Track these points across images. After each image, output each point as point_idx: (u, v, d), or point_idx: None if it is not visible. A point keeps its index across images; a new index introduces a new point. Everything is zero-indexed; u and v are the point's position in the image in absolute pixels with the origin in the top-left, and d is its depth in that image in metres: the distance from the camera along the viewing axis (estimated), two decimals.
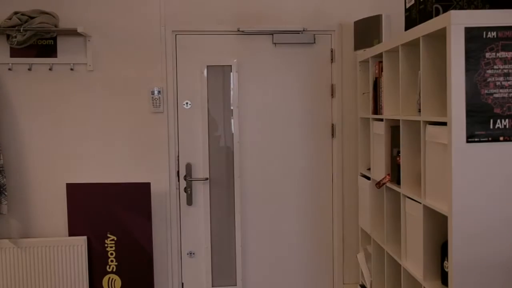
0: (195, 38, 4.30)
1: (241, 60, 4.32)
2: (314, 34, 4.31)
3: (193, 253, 4.40)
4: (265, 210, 4.38)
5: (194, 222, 4.40)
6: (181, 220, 4.39)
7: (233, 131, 4.36)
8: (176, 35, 4.31)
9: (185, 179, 4.34)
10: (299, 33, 4.29)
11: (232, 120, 4.36)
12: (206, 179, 4.36)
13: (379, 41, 3.84)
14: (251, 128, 4.37)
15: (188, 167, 4.33)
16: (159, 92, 4.24)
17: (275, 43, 4.33)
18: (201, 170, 4.36)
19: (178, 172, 4.38)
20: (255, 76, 4.18)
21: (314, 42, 4.30)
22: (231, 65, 4.31)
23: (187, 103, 4.31)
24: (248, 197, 4.37)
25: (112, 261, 4.21)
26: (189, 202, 4.37)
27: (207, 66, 4.33)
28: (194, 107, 4.34)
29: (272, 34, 4.30)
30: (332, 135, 4.42)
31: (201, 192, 4.38)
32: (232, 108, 4.35)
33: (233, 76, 4.32)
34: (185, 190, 4.35)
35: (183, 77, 4.33)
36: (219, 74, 4.31)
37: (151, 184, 4.26)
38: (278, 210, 4.37)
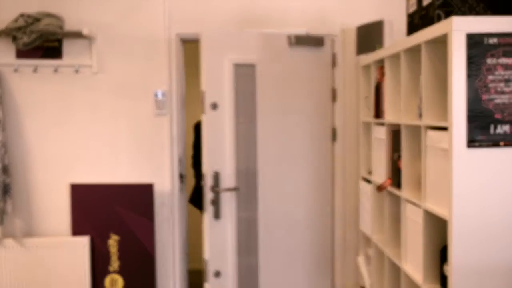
0: (220, 37, 3.92)
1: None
2: (324, 37, 4.28)
3: (220, 273, 3.91)
4: (268, 212, 4.38)
5: (222, 238, 3.94)
6: (208, 236, 3.86)
7: (257, 134, 4.10)
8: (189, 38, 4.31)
9: (212, 190, 3.84)
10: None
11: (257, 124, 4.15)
12: (235, 189, 3.96)
13: (381, 46, 3.87)
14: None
15: (216, 176, 3.84)
16: (163, 94, 4.27)
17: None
18: (228, 179, 3.93)
19: (181, 174, 4.40)
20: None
21: (323, 45, 4.31)
22: (255, 65, 4.02)
23: (214, 105, 3.85)
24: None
25: (114, 261, 4.23)
26: (217, 215, 3.86)
27: (234, 65, 3.92)
28: (221, 110, 3.95)
29: None
30: (333, 139, 4.44)
31: (229, 203, 3.95)
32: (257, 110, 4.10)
33: (257, 77, 4.07)
34: (212, 202, 3.82)
35: (210, 78, 3.86)
36: (242, 75, 4.09)
37: (154, 185, 4.28)
38: (280, 212, 4.37)
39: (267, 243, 4.06)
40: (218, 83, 3.82)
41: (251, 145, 3.99)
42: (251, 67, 3.95)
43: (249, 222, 4.04)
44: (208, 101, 3.77)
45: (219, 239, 3.88)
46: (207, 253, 3.83)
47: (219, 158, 3.85)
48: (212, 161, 3.80)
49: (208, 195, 3.78)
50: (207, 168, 3.72)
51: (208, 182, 3.72)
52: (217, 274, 3.82)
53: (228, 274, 3.87)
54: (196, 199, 5.32)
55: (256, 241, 4.06)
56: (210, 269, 3.85)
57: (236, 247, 3.93)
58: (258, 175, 4.05)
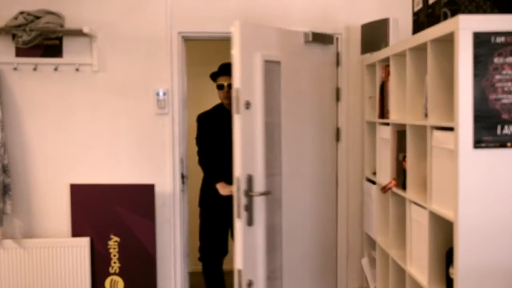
0: (252, 32, 3.62)
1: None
2: (333, 35, 4.23)
3: (252, 283, 3.57)
4: (289, 215, 4.31)
5: (253, 245, 3.63)
6: (241, 244, 3.48)
7: (281, 135, 3.90)
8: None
9: (246, 195, 3.48)
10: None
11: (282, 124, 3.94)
12: (267, 193, 3.67)
13: (386, 45, 3.82)
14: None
15: (249, 179, 3.50)
16: (164, 93, 4.23)
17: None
18: (259, 182, 3.60)
19: (182, 174, 4.37)
20: None
21: (333, 43, 4.27)
22: (280, 62, 3.83)
23: (248, 104, 3.49)
24: None
25: (115, 262, 4.20)
26: (250, 221, 3.52)
27: (265, 61, 3.65)
28: (254, 109, 3.60)
29: None
30: (337, 139, 4.40)
31: (259, 208, 3.62)
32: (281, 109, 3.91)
33: (282, 75, 3.89)
34: (246, 207, 3.48)
35: (243, 75, 3.50)
36: (268, 72, 3.78)
37: (155, 186, 4.24)
38: (297, 215, 4.32)
39: (288, 247, 3.94)
40: (250, 80, 3.54)
41: (276, 145, 3.82)
42: (276, 64, 3.79)
43: (273, 226, 3.82)
44: (242, 99, 3.44)
45: (251, 246, 3.57)
46: (239, 263, 3.45)
47: (252, 160, 3.56)
48: (245, 164, 3.47)
49: (242, 200, 3.45)
50: (241, 172, 3.43)
51: (242, 186, 3.44)
52: (250, 284, 3.56)
53: (259, 283, 3.62)
54: (206, 201, 4.75)
55: (281, 246, 3.89)
56: (244, 280, 3.49)
57: (266, 254, 3.70)
58: (282, 177, 3.90)
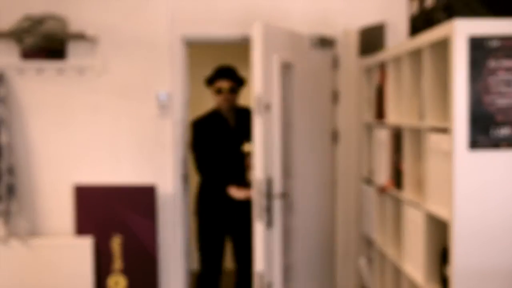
0: (270, 35, 3.60)
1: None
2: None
3: (271, 284, 3.56)
4: (299, 216, 4.33)
5: (271, 247, 3.61)
6: (261, 246, 3.48)
7: (293, 137, 3.93)
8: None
9: (266, 197, 3.48)
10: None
11: (294, 126, 3.96)
12: (285, 195, 3.73)
13: (383, 48, 3.88)
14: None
15: (269, 182, 3.52)
16: (166, 95, 4.28)
17: None
18: (277, 184, 3.61)
19: (184, 175, 4.41)
20: None
21: (333, 47, 4.30)
22: (293, 64, 3.86)
23: (267, 106, 3.51)
24: None
25: (117, 261, 4.25)
26: (270, 224, 3.52)
27: (282, 63, 3.67)
28: (273, 112, 3.61)
29: None
30: (335, 140, 4.45)
31: (276, 211, 3.62)
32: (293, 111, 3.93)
33: (294, 77, 3.91)
34: (267, 209, 3.47)
35: (263, 77, 3.48)
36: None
37: (157, 186, 4.29)
38: (304, 215, 4.34)
39: (296, 248, 3.99)
40: (269, 83, 3.54)
41: (288, 147, 3.83)
42: (289, 66, 3.83)
43: (286, 228, 3.80)
44: (263, 102, 3.44)
45: (270, 249, 3.56)
46: (259, 265, 3.46)
47: (271, 162, 3.56)
48: (265, 166, 3.49)
49: (263, 203, 3.46)
50: (262, 174, 3.43)
51: (262, 188, 3.44)
52: (270, 286, 3.56)
53: (277, 284, 3.61)
54: (204, 210, 4.42)
55: (290, 248, 3.90)
56: (264, 282, 3.49)
57: (282, 256, 3.67)
58: (294, 179, 3.92)
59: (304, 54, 4.05)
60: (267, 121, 3.51)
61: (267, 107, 3.48)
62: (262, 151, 3.44)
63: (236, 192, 4.16)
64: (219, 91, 4.32)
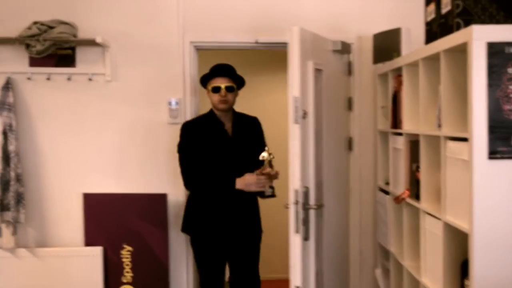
0: (306, 41, 3.51)
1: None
2: (341, 42, 4.11)
3: None
4: (328, 227, 4.27)
5: (307, 260, 3.50)
6: (299, 260, 3.32)
7: (323, 144, 3.82)
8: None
9: (303, 208, 3.34)
10: None
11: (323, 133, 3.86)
12: (321, 205, 3.63)
13: (399, 55, 3.82)
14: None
15: (306, 192, 3.38)
16: (176, 102, 4.24)
17: None
18: (312, 195, 3.49)
19: None
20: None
21: (340, 49, 4.10)
22: (322, 70, 3.74)
23: (304, 113, 3.40)
24: None
25: (127, 272, 4.20)
26: (307, 236, 3.39)
27: (316, 70, 3.58)
28: (308, 119, 3.51)
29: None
30: (349, 148, 4.39)
31: (312, 222, 3.50)
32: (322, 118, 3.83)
33: (323, 83, 3.80)
34: (304, 221, 3.33)
35: (301, 84, 3.37)
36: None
37: (168, 195, 4.24)
38: (331, 225, 4.27)
39: (322, 258, 3.91)
40: (305, 89, 3.43)
41: (318, 156, 3.68)
42: (319, 72, 3.71)
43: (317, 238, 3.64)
44: (300, 109, 3.31)
45: (305, 262, 3.41)
46: (297, 281, 3.31)
47: (307, 172, 3.45)
48: (303, 176, 3.35)
49: (300, 214, 3.30)
50: (300, 184, 3.29)
51: (300, 199, 3.30)
52: None
53: None
54: (197, 226, 3.87)
55: (321, 259, 3.78)
56: None
57: (316, 268, 3.55)
58: (324, 188, 3.79)
59: (328, 59, 3.99)
60: (304, 128, 3.39)
61: (304, 114, 3.39)
62: (300, 161, 3.32)
63: (246, 180, 3.65)
64: (215, 90, 3.77)
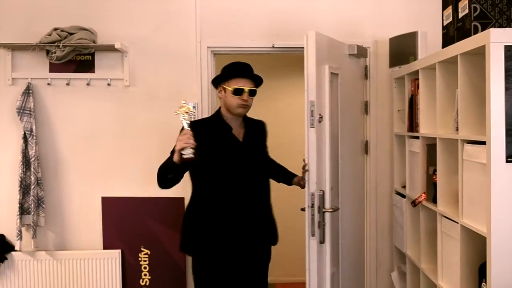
0: (322, 45, 3.51)
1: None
2: (357, 45, 4.09)
3: None
4: (343, 231, 4.27)
5: (323, 264, 3.48)
6: (314, 264, 3.35)
7: (339, 148, 3.83)
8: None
9: (319, 211, 3.36)
10: None
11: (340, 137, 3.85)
12: (337, 209, 3.61)
13: (415, 58, 3.82)
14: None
15: (322, 195, 3.38)
16: (194, 107, 4.27)
17: None
18: (327, 198, 3.47)
19: None
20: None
21: (356, 53, 4.08)
22: (338, 74, 3.75)
23: (320, 117, 3.41)
24: None
25: (145, 274, 4.23)
26: (322, 239, 3.40)
27: (332, 74, 3.58)
28: (324, 123, 3.50)
29: None
30: (366, 151, 4.39)
31: (328, 225, 3.47)
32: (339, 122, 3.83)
33: (340, 87, 3.80)
34: (319, 225, 3.35)
35: (316, 88, 3.37)
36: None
37: (185, 199, 4.26)
38: (346, 230, 4.27)
39: (340, 262, 3.87)
40: (321, 93, 3.43)
41: (334, 159, 3.68)
42: (336, 76, 3.72)
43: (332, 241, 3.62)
44: (316, 113, 3.32)
45: (321, 266, 3.44)
46: (314, 283, 3.34)
47: (323, 175, 3.46)
48: (319, 179, 3.38)
49: (316, 217, 3.33)
50: (315, 188, 3.32)
51: (316, 203, 3.34)
52: None
53: None
54: (198, 243, 3.41)
55: (337, 262, 3.78)
56: None
57: (331, 272, 3.54)
58: (340, 192, 3.81)
59: (344, 63, 3.99)
60: (319, 132, 3.41)
61: (320, 118, 3.40)
62: (316, 164, 3.35)
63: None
64: (237, 92, 3.36)
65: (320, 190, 3.39)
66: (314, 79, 3.34)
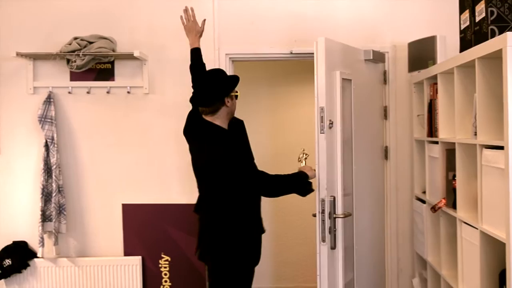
0: (333, 51, 3.52)
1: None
2: (373, 51, 4.06)
3: None
4: (359, 237, 4.25)
5: (334, 270, 3.48)
6: (325, 270, 3.36)
7: (353, 154, 3.81)
8: None
9: (330, 217, 3.35)
10: None
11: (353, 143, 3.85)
12: (349, 215, 3.58)
13: (434, 63, 3.80)
14: None
15: (333, 201, 3.38)
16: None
17: None
18: (339, 204, 3.46)
19: None
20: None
21: (372, 58, 4.05)
22: (351, 79, 3.73)
23: (331, 123, 3.42)
24: None
25: (166, 281, 4.25)
26: (334, 245, 3.38)
27: (343, 79, 3.56)
28: (335, 129, 3.50)
29: None
30: (386, 157, 4.37)
31: (339, 231, 3.47)
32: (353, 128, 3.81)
33: (353, 92, 3.77)
34: (330, 230, 3.35)
35: (327, 94, 3.38)
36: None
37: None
38: (364, 236, 4.23)
39: (354, 266, 3.85)
40: (331, 99, 3.44)
41: (346, 165, 3.66)
42: (348, 82, 3.71)
43: (346, 249, 3.62)
44: (327, 119, 3.35)
45: (332, 271, 3.44)
46: None
47: (334, 181, 3.46)
48: (330, 185, 3.38)
49: (327, 223, 3.34)
50: (326, 193, 3.33)
51: (327, 208, 3.34)
52: None
53: None
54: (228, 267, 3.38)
55: (348, 266, 3.73)
56: None
57: (347, 277, 3.57)
58: (354, 198, 3.80)
59: (359, 68, 3.98)
60: (330, 138, 3.42)
61: (331, 124, 3.41)
62: (326, 170, 3.35)
63: (310, 168, 3.43)
64: (237, 98, 3.49)
65: (331, 196, 3.38)
66: (324, 85, 3.35)
